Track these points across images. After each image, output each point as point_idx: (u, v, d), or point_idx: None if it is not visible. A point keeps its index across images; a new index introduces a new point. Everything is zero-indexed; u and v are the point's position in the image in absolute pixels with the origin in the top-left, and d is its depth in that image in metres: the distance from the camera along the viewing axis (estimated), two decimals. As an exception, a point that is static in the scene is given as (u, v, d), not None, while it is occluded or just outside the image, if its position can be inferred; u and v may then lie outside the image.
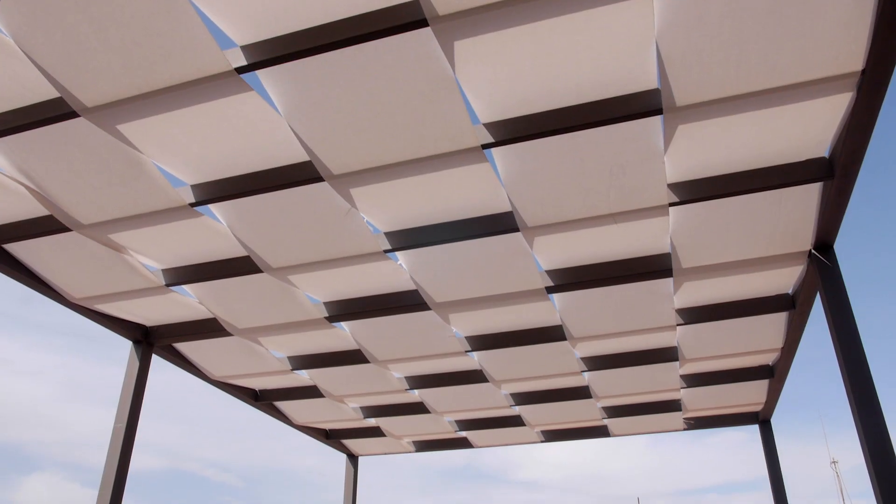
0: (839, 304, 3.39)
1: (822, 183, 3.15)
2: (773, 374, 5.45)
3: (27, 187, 3.26)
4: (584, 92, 2.68)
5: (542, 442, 7.18)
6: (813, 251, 3.57)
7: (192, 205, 3.29)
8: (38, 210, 3.46)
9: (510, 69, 2.58)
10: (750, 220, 3.45)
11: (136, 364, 4.71)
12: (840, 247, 3.56)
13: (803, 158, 3.03)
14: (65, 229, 3.49)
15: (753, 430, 6.72)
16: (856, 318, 3.34)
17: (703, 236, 3.58)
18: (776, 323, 4.61)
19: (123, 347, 4.80)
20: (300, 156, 3.05)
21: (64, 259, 3.87)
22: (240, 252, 3.84)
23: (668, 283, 4.05)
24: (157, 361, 5.02)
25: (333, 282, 4.13)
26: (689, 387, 5.69)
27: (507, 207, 3.37)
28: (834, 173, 2.97)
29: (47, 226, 3.49)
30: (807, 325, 4.53)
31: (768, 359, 5.35)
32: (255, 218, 3.45)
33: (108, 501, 4.30)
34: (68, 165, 3.09)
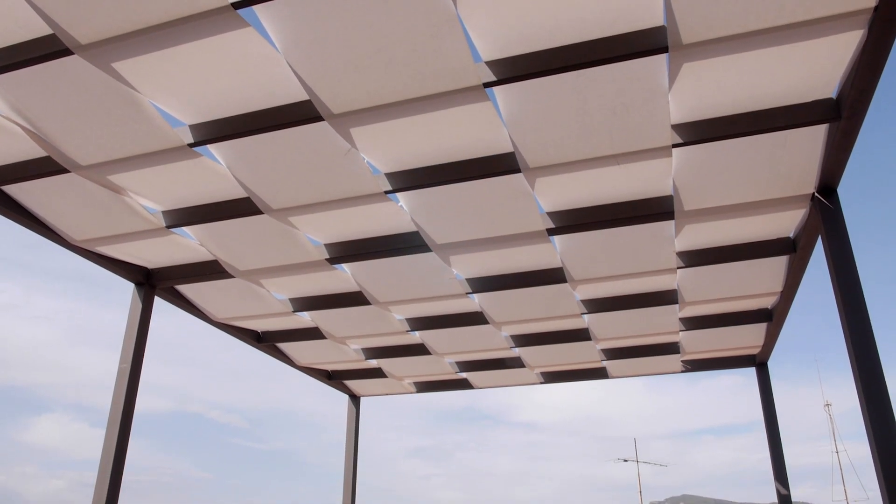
0: (840, 248, 3.38)
1: (827, 125, 3.11)
2: (772, 317, 5.49)
3: (23, 128, 3.22)
4: (588, 29, 2.62)
5: (541, 383, 7.28)
6: (816, 194, 3.55)
7: (191, 145, 3.25)
8: (36, 151, 3.43)
9: (513, 6, 2.52)
10: (754, 162, 3.42)
11: (139, 306, 4.74)
12: (842, 191, 3.54)
13: (810, 99, 2.98)
14: (63, 171, 3.46)
15: (749, 374, 6.81)
16: (856, 263, 3.34)
17: (705, 178, 3.55)
18: (776, 267, 4.62)
19: (128, 292, 4.82)
20: (299, 94, 3.00)
21: (64, 201, 3.85)
22: (240, 193, 3.82)
23: (669, 225, 4.04)
24: (161, 305, 5.06)
25: (334, 223, 4.13)
26: (687, 330, 5.74)
27: (508, 148, 3.33)
28: (841, 114, 2.93)
29: (45, 167, 3.46)
30: (806, 269, 4.54)
31: (767, 302, 5.38)
32: (255, 158, 3.42)
33: (116, 441, 4.39)
34: (64, 105, 3.05)
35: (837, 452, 17.48)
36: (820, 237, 3.61)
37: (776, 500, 6.34)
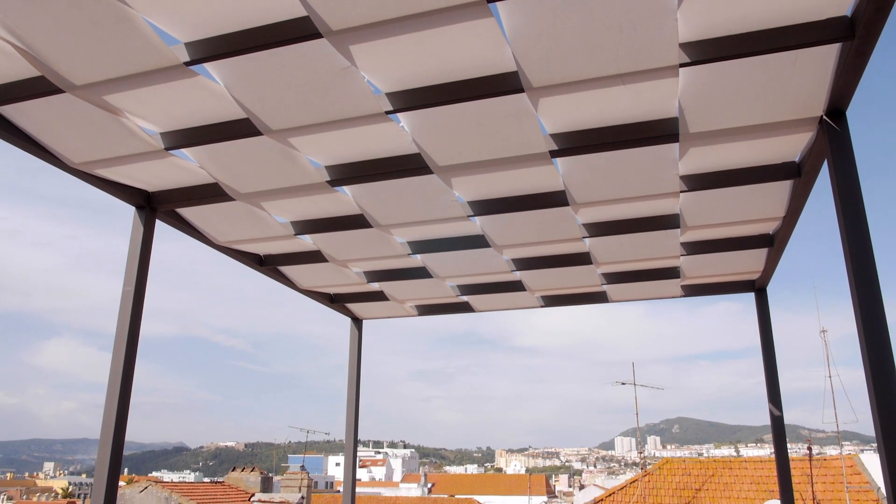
0: (846, 173, 3.34)
1: (840, 44, 3.03)
2: (773, 243, 5.49)
3: (15, 46, 3.15)
4: (596, -60, 2.52)
5: (541, 307, 7.35)
6: (824, 116, 3.49)
7: (187, 63, 3.18)
8: (30, 71, 3.36)
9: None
10: (762, 83, 3.35)
11: (140, 229, 4.74)
12: (849, 116, 3.47)
13: (824, 17, 2.89)
14: (57, 91, 3.40)
15: (747, 301, 6.86)
16: (861, 189, 3.31)
17: (711, 100, 3.49)
18: (779, 192, 4.59)
19: (131, 218, 4.81)
20: (297, 10, 2.92)
21: (61, 123, 3.80)
22: (238, 114, 3.76)
23: (673, 148, 3.99)
24: (164, 231, 5.06)
25: (335, 145, 4.08)
26: (688, 254, 5.75)
27: (512, 67, 3.26)
28: (854, 33, 2.85)
29: (39, 87, 3.40)
30: (809, 196, 4.52)
31: (769, 227, 5.37)
32: (252, 78, 3.36)
33: (123, 362, 4.47)
34: (55, 22, 2.96)
35: (830, 377, 17.79)
36: (826, 162, 3.57)
37: (768, 422, 6.50)
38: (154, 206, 4.78)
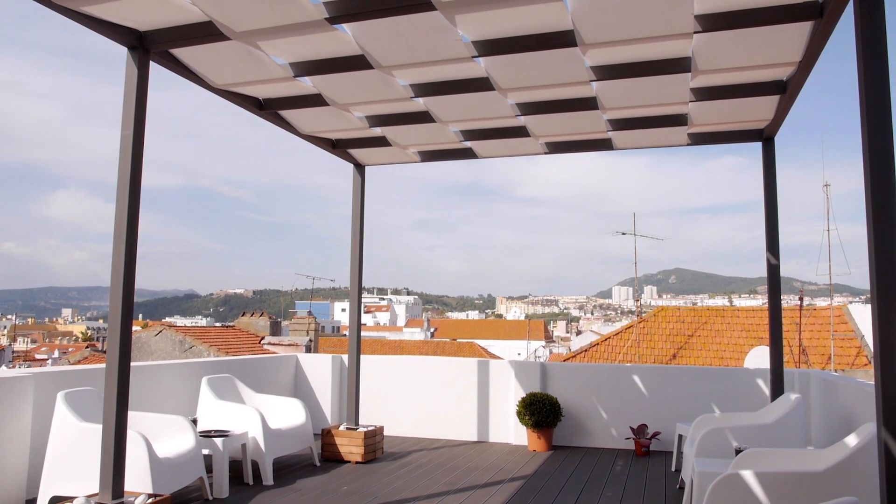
0: (872, 14, 3.18)
1: None
2: (785, 89, 5.35)
3: None
4: None
5: (545, 154, 7.29)
6: (853, -52, 3.26)
7: None
8: None
9: None
10: None
11: (135, 71, 4.61)
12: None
13: None
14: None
15: (751, 156, 6.83)
16: (886, 32, 3.16)
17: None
18: (797, 35, 4.40)
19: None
20: None
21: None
22: (229, -59, 3.54)
23: (690, -17, 3.78)
24: (163, 79, 4.92)
25: (332, -22, 3.86)
26: (697, 100, 5.62)
27: None
28: None
29: None
30: (827, 44, 4.35)
31: (783, 73, 5.21)
32: None
33: (127, 208, 4.50)
34: None
35: (829, 231, 17.94)
36: (851, 2, 3.38)
37: (762, 274, 6.63)
38: (147, 47, 4.62)
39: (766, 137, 6.57)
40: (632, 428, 7.88)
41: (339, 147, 7.34)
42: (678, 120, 6.24)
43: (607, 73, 5.07)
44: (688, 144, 6.93)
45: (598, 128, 6.46)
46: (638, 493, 5.95)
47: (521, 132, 6.62)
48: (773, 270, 6.51)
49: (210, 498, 5.60)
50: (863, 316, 18.59)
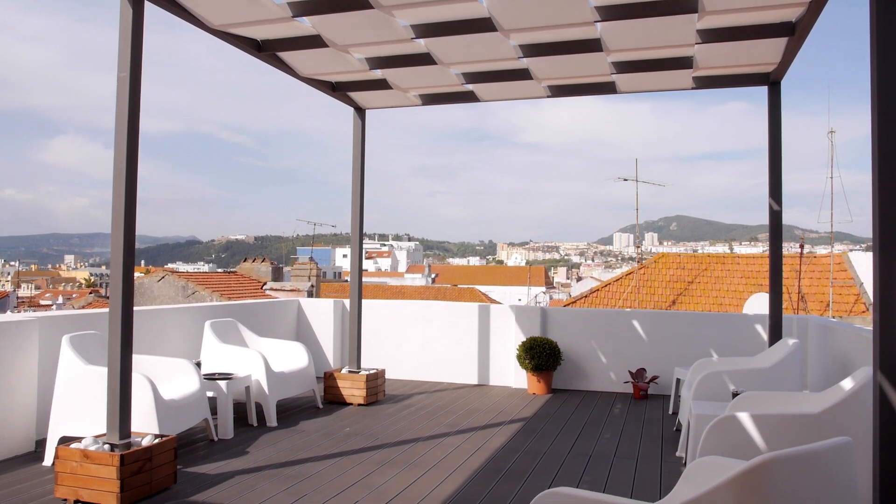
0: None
1: None
2: (794, 31, 5.23)
3: None
4: None
5: (548, 97, 7.19)
6: None
7: None
8: None
9: None
10: None
11: (129, 11, 4.51)
12: None
13: None
14: None
15: (756, 102, 6.70)
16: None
17: None
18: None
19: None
20: None
21: None
22: None
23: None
24: (159, 21, 4.81)
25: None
26: (703, 42, 5.51)
27: None
28: None
29: None
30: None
31: (792, 14, 5.09)
32: None
33: (125, 152, 4.45)
34: None
35: (832, 178, 17.79)
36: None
37: (763, 221, 6.60)
38: (141, -17, 4.50)
39: (772, 81, 6.46)
40: (630, 372, 7.98)
41: (339, 90, 7.24)
42: (683, 63, 6.13)
43: (613, 13, 4.95)
44: (693, 88, 6.83)
45: (601, 70, 6.35)
46: (635, 435, 6.06)
47: (523, 75, 6.52)
48: (775, 217, 6.49)
49: (215, 439, 5.71)
50: (862, 264, 18.60)
